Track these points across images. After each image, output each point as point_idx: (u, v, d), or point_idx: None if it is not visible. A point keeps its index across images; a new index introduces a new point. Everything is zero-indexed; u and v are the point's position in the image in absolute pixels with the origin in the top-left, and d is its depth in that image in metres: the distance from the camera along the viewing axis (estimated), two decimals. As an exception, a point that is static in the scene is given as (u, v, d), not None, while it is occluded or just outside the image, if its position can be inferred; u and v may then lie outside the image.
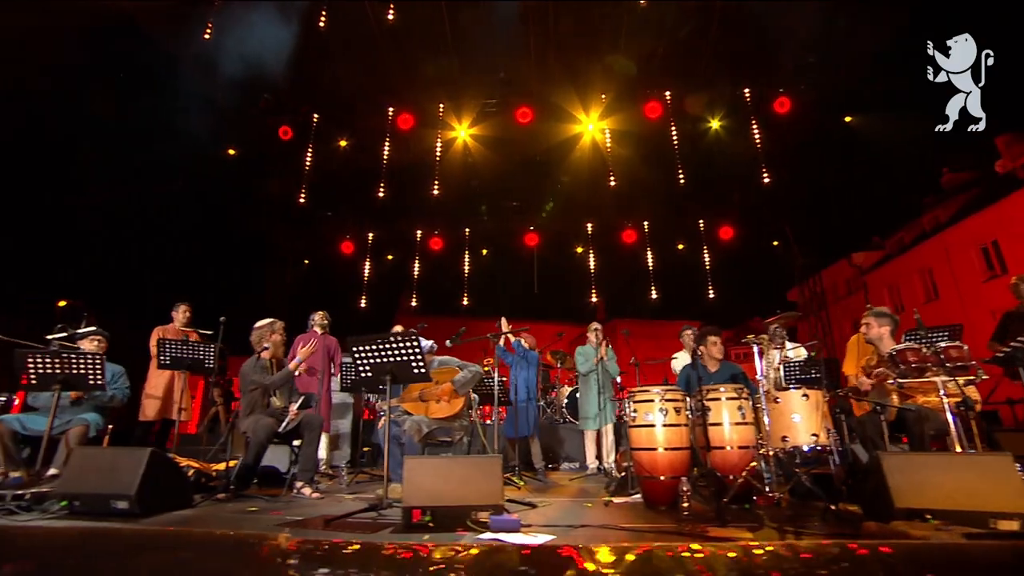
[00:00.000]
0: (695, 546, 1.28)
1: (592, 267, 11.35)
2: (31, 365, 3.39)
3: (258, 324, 4.05)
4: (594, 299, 11.46)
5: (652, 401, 3.51)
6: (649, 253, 11.12)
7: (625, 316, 16.41)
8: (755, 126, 9.11)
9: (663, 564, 1.23)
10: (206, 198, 9.64)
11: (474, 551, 1.52)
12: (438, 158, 9.37)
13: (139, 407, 5.32)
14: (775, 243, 12.07)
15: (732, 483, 3.29)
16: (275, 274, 11.76)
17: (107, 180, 8.40)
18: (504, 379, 5.57)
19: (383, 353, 3.19)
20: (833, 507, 2.85)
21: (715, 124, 9.41)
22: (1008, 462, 2.37)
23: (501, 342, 5.38)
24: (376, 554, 1.44)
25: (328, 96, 9.20)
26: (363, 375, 3.29)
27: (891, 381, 3.49)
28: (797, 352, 5.22)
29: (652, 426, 3.46)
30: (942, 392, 3.03)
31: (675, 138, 9.27)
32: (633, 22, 7.94)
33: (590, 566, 1.27)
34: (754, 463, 3.41)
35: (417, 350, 3.14)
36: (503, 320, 5.42)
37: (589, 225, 11.24)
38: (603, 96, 9.08)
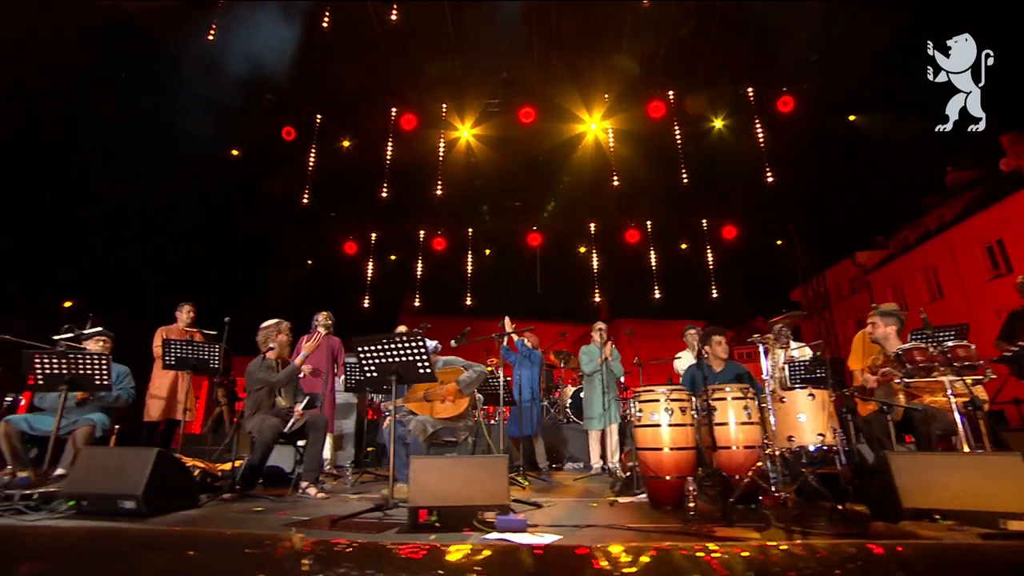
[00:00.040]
0: (711, 545, 1.28)
1: (595, 267, 11.33)
2: (38, 366, 3.40)
3: (265, 324, 4.06)
4: (597, 299, 11.45)
5: (658, 401, 3.51)
6: (652, 253, 11.11)
7: (628, 316, 16.41)
8: (758, 125, 9.09)
9: (680, 564, 1.22)
10: (209, 198, 9.66)
11: (487, 552, 1.51)
12: (441, 158, 9.38)
13: (143, 408, 5.34)
14: (778, 242, 12.04)
15: (738, 483, 3.28)
16: (278, 274, 11.78)
17: (108, 180, 8.41)
18: (508, 379, 5.57)
19: (388, 353, 3.19)
20: (840, 507, 2.84)
21: (718, 123, 9.40)
22: (1017, 462, 2.36)
23: (505, 342, 5.38)
24: (392, 555, 1.44)
25: (331, 96, 9.22)
26: (368, 375, 3.30)
27: (898, 381, 3.47)
28: (802, 352, 5.20)
29: (658, 426, 3.45)
30: (950, 392, 3.01)
31: (678, 137, 9.26)
32: (636, 22, 7.93)
33: (606, 565, 1.26)
34: (760, 463, 3.40)
35: (422, 350, 3.14)
36: (507, 319, 5.42)
37: (592, 225, 11.23)
38: (606, 96, 9.08)
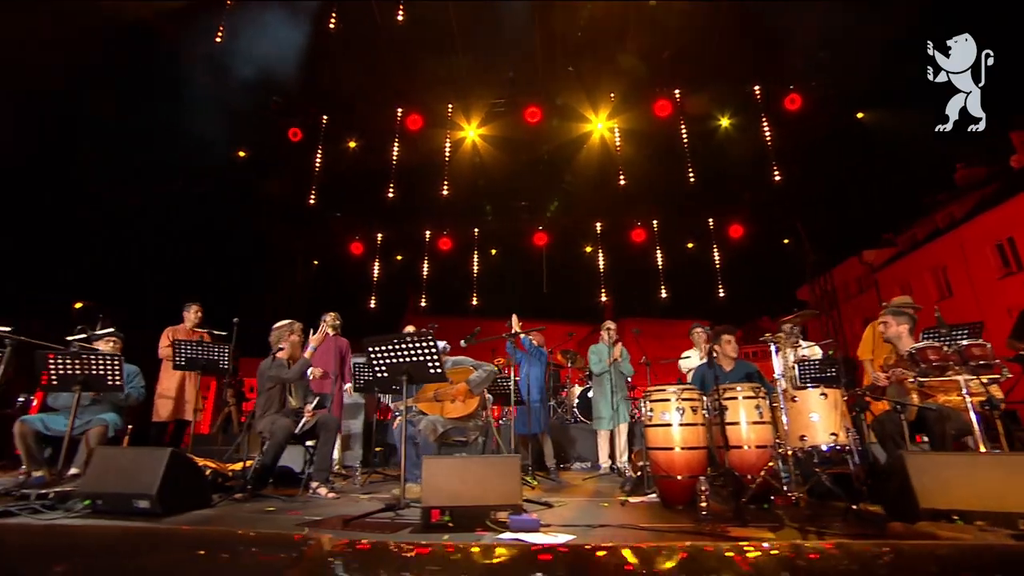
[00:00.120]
0: (745, 544, 1.27)
1: (601, 266, 11.31)
2: (52, 366, 3.43)
3: (277, 325, 4.08)
4: (604, 298, 11.43)
5: (669, 400, 3.49)
6: (658, 252, 11.08)
7: (634, 315, 16.34)
8: (766, 123, 9.04)
9: (711, 563, 1.21)
10: (215, 200, 9.72)
11: (510, 551, 1.51)
12: (447, 158, 9.39)
13: (151, 408, 5.35)
14: (785, 241, 11.98)
15: (750, 483, 3.27)
16: (285, 275, 11.84)
17: (112, 180, 8.51)
18: (516, 379, 5.57)
19: (399, 353, 3.19)
20: (854, 507, 2.81)
21: (725, 121, 9.36)
22: (1036, 462, 2.33)
23: (512, 341, 5.38)
24: (429, 554, 1.44)
25: (337, 97, 9.25)
26: (379, 375, 3.30)
27: (911, 380, 3.44)
28: (812, 351, 5.17)
29: (669, 425, 3.44)
30: (965, 391, 2.98)
31: (685, 136, 9.22)
32: (642, 20, 7.91)
33: (635, 563, 1.26)
34: (771, 463, 3.38)
35: (433, 350, 3.14)
36: (514, 318, 5.41)
37: (598, 224, 11.21)
38: (612, 95, 9.06)
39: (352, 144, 9.68)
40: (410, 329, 5.35)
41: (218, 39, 7.36)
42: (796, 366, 4.29)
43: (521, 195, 10.95)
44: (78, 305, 7.88)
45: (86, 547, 2.00)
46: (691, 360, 5.91)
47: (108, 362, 3.58)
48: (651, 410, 3.56)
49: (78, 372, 3.47)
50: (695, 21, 7.90)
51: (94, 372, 3.52)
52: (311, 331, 4.12)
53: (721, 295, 11.23)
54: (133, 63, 7.64)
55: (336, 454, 5.53)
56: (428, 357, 3.17)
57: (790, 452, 3.39)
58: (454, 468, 2.70)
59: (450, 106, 9.20)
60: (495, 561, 1.46)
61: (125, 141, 8.00)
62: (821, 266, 12.67)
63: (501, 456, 3.50)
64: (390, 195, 9.65)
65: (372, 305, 11.27)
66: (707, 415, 3.56)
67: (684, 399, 3.48)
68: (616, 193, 9.72)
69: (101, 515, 2.73)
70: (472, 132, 9.41)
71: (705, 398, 3.62)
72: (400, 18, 7.52)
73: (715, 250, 11.13)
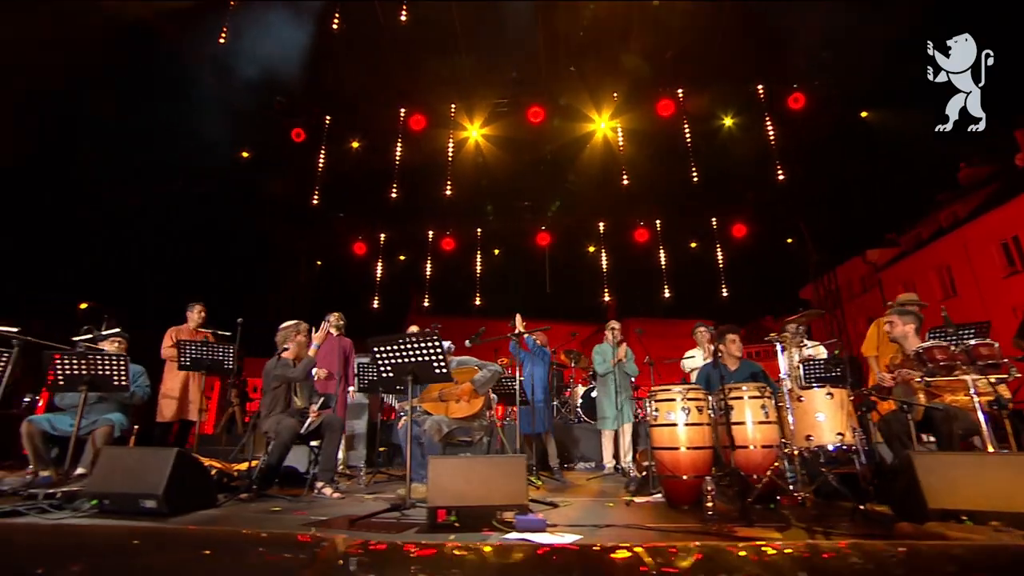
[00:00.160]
0: (761, 543, 1.26)
1: (604, 266, 11.30)
2: (59, 366, 3.44)
3: (284, 325, 4.10)
4: (607, 298, 11.42)
5: (674, 400, 3.48)
6: (662, 251, 11.06)
7: (637, 315, 16.32)
8: (769, 122, 9.02)
9: (726, 562, 1.20)
10: (218, 200, 9.75)
11: (520, 551, 1.51)
12: (450, 158, 9.39)
13: (155, 408, 5.36)
14: (789, 240, 11.94)
15: (756, 483, 3.26)
16: (288, 275, 11.86)
17: (118, 181, 8.54)
18: (520, 378, 5.57)
19: (405, 353, 3.20)
20: (861, 507, 2.80)
21: (728, 121, 9.34)
22: (1046, 462, 2.32)
23: (516, 341, 5.38)
24: (437, 554, 1.44)
25: (340, 98, 9.26)
26: (384, 375, 3.30)
27: (918, 380, 3.42)
28: (816, 351, 5.16)
29: (674, 425, 3.43)
30: (972, 391, 2.97)
31: (688, 136, 9.20)
32: (645, 20, 7.90)
33: (650, 564, 1.25)
34: (777, 463, 3.37)
35: (439, 350, 3.14)
36: (518, 317, 5.41)
37: (601, 224, 11.20)
38: (615, 95, 9.05)
39: (355, 144, 9.69)
40: (414, 329, 5.35)
41: (222, 39, 7.38)
42: (801, 366, 4.28)
43: (524, 195, 10.94)
44: (83, 306, 7.91)
45: (94, 546, 2.00)
46: (695, 360, 5.90)
47: (114, 362, 3.59)
48: (656, 410, 3.55)
49: (84, 372, 3.48)
50: (698, 20, 7.88)
51: (100, 372, 3.53)
52: (314, 331, 4.13)
53: (724, 295, 11.20)
54: (135, 63, 7.67)
55: (340, 454, 5.54)
56: (433, 357, 3.17)
57: (796, 452, 3.37)
58: (460, 468, 2.70)
59: (453, 106, 9.20)
60: (506, 561, 1.46)
61: (127, 141, 8.03)
62: (824, 266, 12.63)
63: (507, 456, 3.50)
64: (393, 195, 9.65)
65: (375, 305, 11.28)
66: (712, 415, 3.55)
67: (690, 399, 3.47)
68: (619, 193, 9.71)
69: (108, 515, 2.74)
70: (475, 132, 9.41)
71: (710, 398, 3.61)
72: (403, 18, 7.52)
73: (718, 250, 11.10)
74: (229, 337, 5.01)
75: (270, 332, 4.22)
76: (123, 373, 3.62)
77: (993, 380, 2.98)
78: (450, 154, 9.41)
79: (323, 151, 9.49)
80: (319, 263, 12.31)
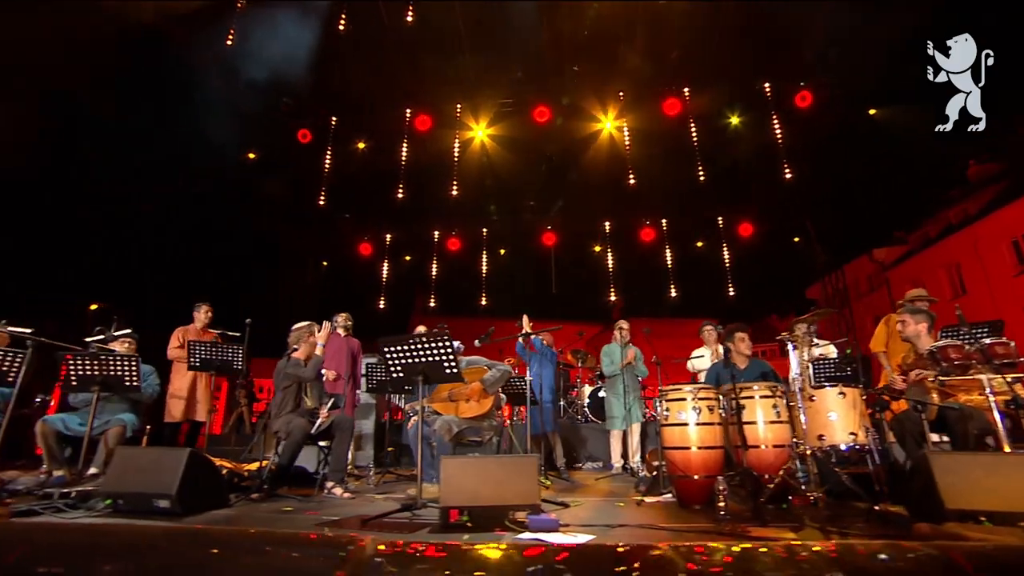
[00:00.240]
0: (796, 544, 1.25)
1: (610, 266, 11.28)
2: (72, 367, 3.47)
3: (297, 325, 4.12)
4: (612, 298, 11.39)
5: (685, 400, 3.47)
6: (668, 251, 11.03)
7: (644, 314, 16.27)
8: (776, 121, 8.97)
9: (763, 563, 1.20)
10: (222, 201, 9.79)
11: (538, 551, 1.51)
12: (456, 159, 9.40)
13: (164, 408, 5.39)
14: (796, 239, 11.87)
15: (768, 482, 3.24)
16: (295, 276, 11.91)
17: (122, 182, 8.59)
18: (529, 379, 5.56)
19: (415, 353, 3.20)
20: (876, 508, 2.78)
21: (735, 119, 9.30)
22: (1065, 462, 2.29)
23: (521, 340, 5.37)
24: (463, 555, 1.44)
25: (346, 99, 9.29)
26: (394, 375, 3.30)
27: (932, 379, 3.39)
28: (827, 350, 5.13)
29: (685, 425, 3.42)
30: (988, 390, 2.94)
31: (694, 134, 9.17)
32: (650, 19, 7.88)
33: (679, 563, 1.25)
34: (789, 463, 3.35)
35: (449, 350, 3.14)
36: (524, 318, 5.40)
37: (607, 224, 11.18)
38: (620, 94, 9.03)
39: (361, 145, 9.72)
40: (421, 329, 5.36)
41: (229, 42, 7.41)
42: (811, 365, 4.25)
43: (530, 195, 10.94)
44: (93, 307, 7.97)
45: (108, 546, 2.01)
46: (703, 360, 5.88)
47: (125, 363, 3.62)
48: (667, 409, 3.54)
49: (97, 373, 3.51)
50: (703, 19, 7.85)
51: (112, 373, 3.56)
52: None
53: (731, 294, 11.16)
54: (144, 65, 7.71)
55: (348, 454, 5.56)
56: (444, 357, 3.17)
57: (808, 451, 3.35)
58: (472, 468, 2.70)
59: (459, 106, 9.21)
60: (529, 562, 1.45)
61: (133, 144, 8.09)
62: (831, 264, 12.55)
63: (518, 456, 3.50)
64: (399, 196, 9.68)
65: (381, 306, 11.30)
66: (723, 414, 3.54)
67: (700, 398, 3.46)
68: (625, 192, 9.68)
69: (122, 514, 2.76)
70: (481, 132, 9.41)
71: (721, 397, 3.59)
72: (409, 19, 7.53)
73: (724, 249, 11.06)
74: (238, 338, 5.03)
75: (276, 333, 4.24)
76: (135, 373, 3.64)
77: (1010, 379, 2.95)
78: (456, 154, 9.42)
79: (329, 152, 9.53)
80: (325, 264, 12.35)
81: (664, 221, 10.93)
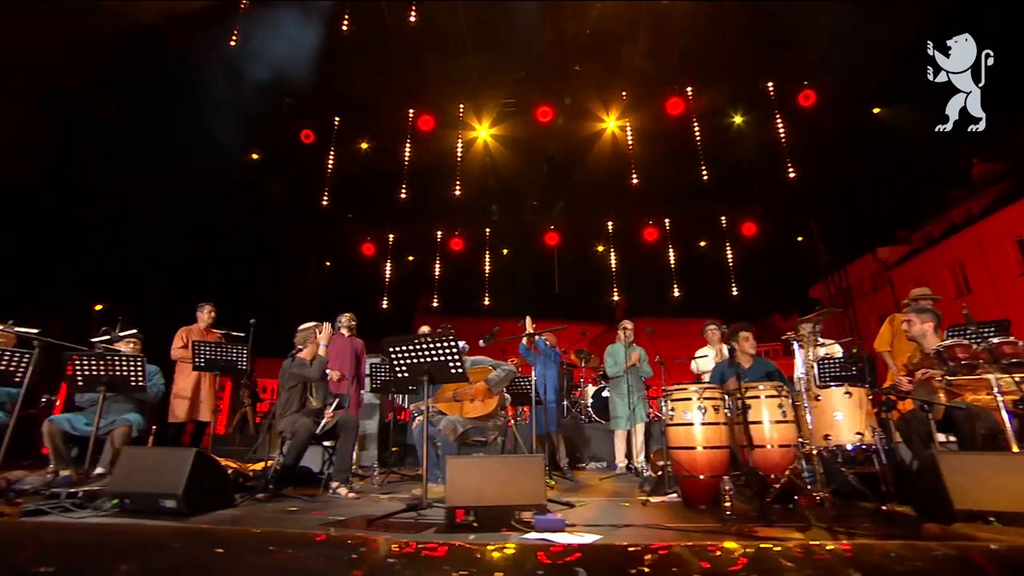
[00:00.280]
0: (814, 543, 1.25)
1: (613, 265, 11.27)
2: (78, 367, 3.48)
3: (304, 326, 4.13)
4: (615, 298, 11.38)
5: (690, 399, 3.46)
6: (671, 250, 11.01)
7: (646, 314, 16.25)
8: (779, 120, 8.95)
9: (779, 562, 1.19)
10: (225, 201, 9.81)
11: (546, 551, 1.50)
12: (459, 159, 9.40)
13: (167, 409, 5.39)
14: (799, 238, 11.84)
15: (774, 482, 3.23)
16: (297, 276, 11.93)
17: (123, 181, 8.62)
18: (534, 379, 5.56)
19: (420, 353, 3.20)
20: (883, 508, 2.77)
21: (738, 119, 9.27)
22: (1074, 462, 2.28)
23: (525, 341, 5.37)
24: (476, 555, 1.44)
25: (349, 99, 9.30)
26: (399, 375, 3.30)
27: (938, 379, 3.38)
28: (832, 349, 5.11)
29: (690, 424, 3.41)
30: (996, 390, 2.92)
31: (697, 134, 9.15)
32: (653, 18, 7.87)
33: (693, 563, 1.24)
34: (795, 462, 3.34)
35: (455, 350, 3.14)
36: (528, 319, 5.40)
37: (610, 223, 11.17)
38: (623, 93, 9.02)
39: (364, 145, 9.72)
40: (425, 329, 5.37)
41: (232, 42, 7.43)
42: (816, 364, 4.24)
43: (532, 195, 10.94)
44: (98, 308, 7.99)
45: (115, 546, 2.02)
46: (707, 360, 5.86)
47: (131, 363, 3.62)
48: (672, 409, 3.53)
49: (103, 373, 3.52)
50: (706, 19, 7.84)
51: (118, 373, 3.57)
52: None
53: (734, 293, 11.13)
54: (147, 66, 7.73)
55: (353, 454, 5.56)
56: (449, 357, 3.17)
57: (814, 451, 3.34)
58: (478, 468, 2.70)
59: (461, 106, 9.21)
60: (538, 561, 1.45)
61: (133, 144, 8.12)
62: (835, 264, 12.51)
63: (524, 456, 3.50)
64: (402, 196, 9.68)
65: (384, 306, 11.31)
66: (729, 414, 3.53)
67: (706, 398, 3.45)
68: (628, 192, 9.67)
69: (129, 514, 2.77)
70: (483, 132, 9.41)
71: (726, 397, 3.59)
72: (412, 19, 7.53)
73: (728, 248, 11.03)
74: (242, 338, 5.03)
75: (278, 333, 4.24)
76: (140, 373, 3.65)
77: (1018, 379, 2.93)
78: (459, 154, 9.42)
79: (332, 152, 9.54)
80: (328, 264, 12.37)
81: (667, 220, 10.91)
